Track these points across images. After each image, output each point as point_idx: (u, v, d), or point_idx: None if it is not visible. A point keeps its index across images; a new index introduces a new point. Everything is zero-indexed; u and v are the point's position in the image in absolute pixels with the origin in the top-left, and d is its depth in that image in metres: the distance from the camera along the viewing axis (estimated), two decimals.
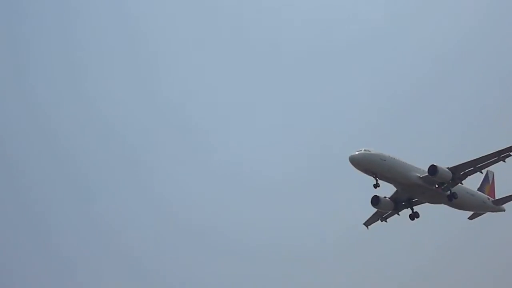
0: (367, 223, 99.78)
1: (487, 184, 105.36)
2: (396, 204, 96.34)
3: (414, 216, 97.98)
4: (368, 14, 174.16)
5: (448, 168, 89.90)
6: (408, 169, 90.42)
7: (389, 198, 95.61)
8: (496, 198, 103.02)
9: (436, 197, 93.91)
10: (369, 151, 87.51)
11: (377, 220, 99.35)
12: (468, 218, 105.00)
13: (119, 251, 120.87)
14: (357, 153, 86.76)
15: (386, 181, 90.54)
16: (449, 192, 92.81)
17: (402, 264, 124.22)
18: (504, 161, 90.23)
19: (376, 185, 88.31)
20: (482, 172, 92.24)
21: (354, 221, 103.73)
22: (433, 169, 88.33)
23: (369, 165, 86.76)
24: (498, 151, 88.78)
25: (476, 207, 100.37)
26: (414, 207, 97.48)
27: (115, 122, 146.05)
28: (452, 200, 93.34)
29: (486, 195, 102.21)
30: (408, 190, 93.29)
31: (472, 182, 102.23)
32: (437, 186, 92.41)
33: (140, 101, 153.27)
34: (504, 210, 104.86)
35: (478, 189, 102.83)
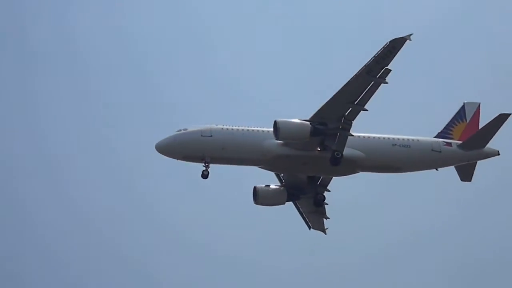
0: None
1: (459, 123, 71.80)
2: (295, 190, 69.86)
3: (318, 202, 70.26)
4: None
5: (305, 120, 62.04)
6: (260, 138, 64.10)
7: (277, 185, 69.73)
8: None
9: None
10: (185, 129, 63.95)
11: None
12: (462, 180, 71.94)
13: None
14: (163, 139, 63.97)
15: (236, 164, 65.46)
16: (332, 153, 64.04)
17: None
18: (386, 82, 59.38)
19: (205, 174, 63.93)
20: (366, 109, 61.73)
21: None
22: (275, 129, 61.48)
23: (185, 149, 62.90)
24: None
25: (421, 162, 68.04)
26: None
27: None
28: (337, 163, 64.05)
29: (442, 140, 69.23)
30: (280, 168, 66.44)
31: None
32: (319, 149, 64.49)
33: None
34: (498, 154, 70.21)
35: (441, 133, 70.38)
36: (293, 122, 60.95)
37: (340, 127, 62.58)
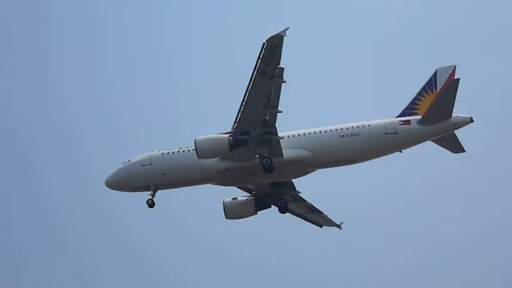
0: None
1: (427, 94, 63.82)
2: (264, 198, 66.92)
3: (281, 209, 66.48)
4: None
5: (225, 132, 59.32)
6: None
7: (245, 195, 67.25)
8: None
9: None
10: (129, 161, 64.44)
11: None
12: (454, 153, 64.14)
13: None
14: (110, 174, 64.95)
15: (184, 186, 64.37)
16: (261, 160, 60.56)
17: None
18: (284, 81, 55.08)
19: (148, 203, 63.72)
20: (280, 111, 57.43)
21: None
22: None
23: (130, 181, 63.26)
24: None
25: (375, 149, 61.52)
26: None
27: None
28: (269, 170, 60.14)
29: (398, 120, 61.93)
30: (229, 181, 63.66)
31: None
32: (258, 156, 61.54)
33: None
34: (471, 121, 61.52)
35: (406, 110, 63.22)
36: (209, 138, 59.01)
37: (265, 132, 59.56)
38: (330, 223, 69.33)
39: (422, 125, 60.97)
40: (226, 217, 66.20)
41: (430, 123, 60.74)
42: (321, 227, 70.29)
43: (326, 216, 68.77)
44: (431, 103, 61.43)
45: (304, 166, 61.58)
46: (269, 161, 59.67)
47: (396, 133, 60.86)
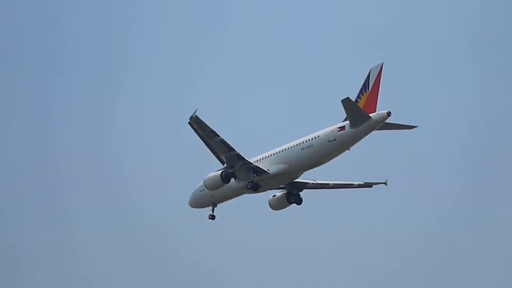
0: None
1: (363, 95, 73.97)
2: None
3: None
4: None
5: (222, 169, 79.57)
6: None
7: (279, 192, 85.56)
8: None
9: None
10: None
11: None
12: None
13: None
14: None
15: (229, 200, 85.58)
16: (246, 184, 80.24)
17: None
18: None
19: (210, 217, 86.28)
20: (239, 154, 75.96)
21: None
22: None
23: (198, 203, 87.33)
24: None
25: (325, 156, 75.16)
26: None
27: None
28: (255, 189, 79.25)
29: (336, 127, 73.80)
30: (249, 192, 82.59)
31: None
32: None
33: None
34: (389, 114, 71.68)
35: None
36: (209, 177, 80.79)
37: (243, 163, 79.01)
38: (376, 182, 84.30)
39: (353, 128, 73.72)
40: (272, 209, 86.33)
41: (357, 126, 73.11)
42: (371, 186, 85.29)
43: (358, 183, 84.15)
44: (372, 100, 73.44)
45: (288, 175, 79.29)
46: (251, 184, 78.99)
47: (335, 139, 74.76)
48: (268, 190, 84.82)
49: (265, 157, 79.34)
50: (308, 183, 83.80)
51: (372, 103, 73.37)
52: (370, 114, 72.74)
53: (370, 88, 73.52)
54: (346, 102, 70.76)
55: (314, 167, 78.43)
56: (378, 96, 73.43)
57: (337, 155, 76.38)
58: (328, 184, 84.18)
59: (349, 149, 75.86)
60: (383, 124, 73.12)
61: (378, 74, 73.20)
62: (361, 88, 74.56)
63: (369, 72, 74.05)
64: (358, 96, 74.68)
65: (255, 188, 79.55)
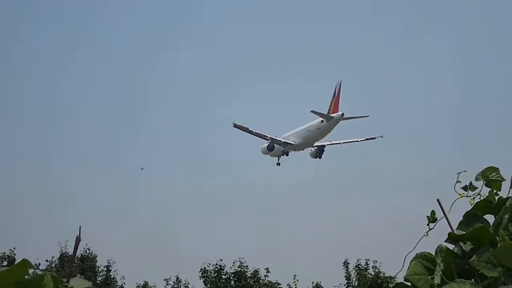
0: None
1: (333, 100, 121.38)
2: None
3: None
4: None
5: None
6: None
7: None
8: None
9: None
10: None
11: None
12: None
13: None
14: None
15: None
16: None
17: None
18: None
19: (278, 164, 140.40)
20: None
21: None
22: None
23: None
24: None
25: (317, 135, 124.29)
26: None
27: None
28: (287, 154, 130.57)
29: (319, 120, 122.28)
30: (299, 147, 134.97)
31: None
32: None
33: None
34: (343, 115, 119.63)
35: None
36: (263, 146, 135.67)
37: (276, 140, 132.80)
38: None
39: (327, 122, 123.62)
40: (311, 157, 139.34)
41: (328, 121, 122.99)
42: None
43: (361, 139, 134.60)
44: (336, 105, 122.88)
45: (304, 145, 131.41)
46: (283, 152, 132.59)
47: (320, 128, 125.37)
48: (300, 150, 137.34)
49: (291, 134, 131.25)
50: (325, 145, 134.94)
51: (335, 106, 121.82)
52: (333, 115, 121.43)
53: (334, 97, 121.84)
54: (315, 112, 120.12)
55: (315, 141, 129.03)
56: (339, 102, 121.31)
57: (325, 136, 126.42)
58: (339, 142, 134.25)
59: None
60: (343, 118, 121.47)
61: (339, 88, 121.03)
62: (332, 97, 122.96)
63: (335, 87, 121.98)
64: (331, 101, 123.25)
65: (286, 154, 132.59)
